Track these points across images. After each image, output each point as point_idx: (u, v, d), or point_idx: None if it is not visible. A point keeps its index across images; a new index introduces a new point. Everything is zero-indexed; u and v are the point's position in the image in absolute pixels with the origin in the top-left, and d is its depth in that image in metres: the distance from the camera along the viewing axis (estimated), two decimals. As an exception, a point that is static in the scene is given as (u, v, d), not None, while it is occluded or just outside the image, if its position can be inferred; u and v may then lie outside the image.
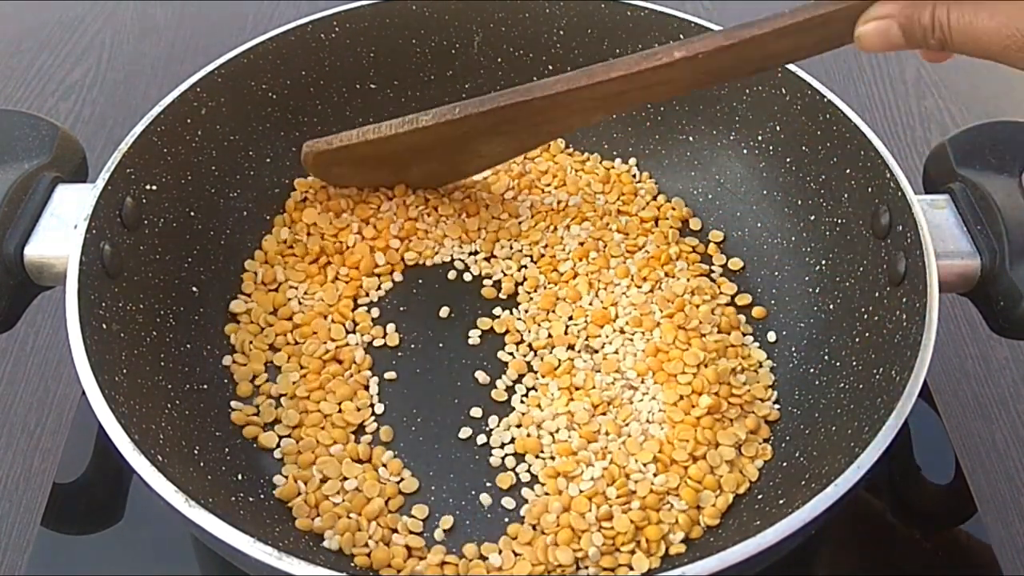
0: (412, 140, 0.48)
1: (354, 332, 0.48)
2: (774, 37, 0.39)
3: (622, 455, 0.42)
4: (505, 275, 0.51)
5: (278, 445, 0.44)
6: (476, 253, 0.52)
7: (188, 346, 0.46)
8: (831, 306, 0.47)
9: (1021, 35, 0.32)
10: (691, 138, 0.55)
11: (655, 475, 0.42)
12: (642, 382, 0.46)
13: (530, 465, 0.43)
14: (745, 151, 0.53)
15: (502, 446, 0.44)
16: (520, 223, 0.53)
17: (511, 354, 0.48)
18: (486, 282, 0.51)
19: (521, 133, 0.48)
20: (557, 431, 0.44)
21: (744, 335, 0.49)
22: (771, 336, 0.49)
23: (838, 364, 0.45)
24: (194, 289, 0.48)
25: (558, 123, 0.47)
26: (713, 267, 0.52)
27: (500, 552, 0.40)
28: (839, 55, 0.73)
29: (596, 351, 0.47)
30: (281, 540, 0.39)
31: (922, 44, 0.35)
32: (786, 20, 0.38)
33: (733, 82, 0.51)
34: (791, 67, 0.49)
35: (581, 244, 0.51)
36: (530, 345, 0.48)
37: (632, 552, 0.40)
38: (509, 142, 0.49)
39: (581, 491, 0.41)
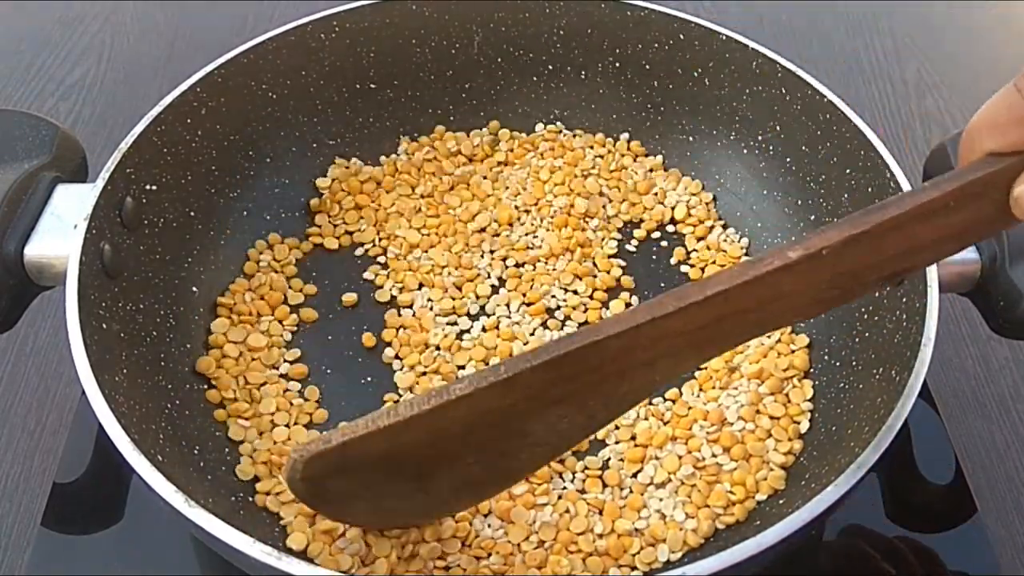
0: (441, 423, 0.33)
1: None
2: (915, 219, 0.30)
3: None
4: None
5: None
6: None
7: (188, 346, 0.46)
8: (831, 306, 0.47)
9: None
10: (691, 138, 0.55)
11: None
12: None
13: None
14: (745, 151, 0.53)
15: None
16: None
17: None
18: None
19: (588, 398, 0.34)
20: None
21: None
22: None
23: (838, 364, 0.45)
24: (194, 289, 0.48)
25: (637, 377, 0.34)
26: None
27: None
28: (839, 55, 0.74)
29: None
30: (281, 540, 0.40)
31: None
32: (930, 194, 0.30)
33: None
34: (791, 67, 0.50)
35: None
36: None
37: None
38: (573, 415, 0.35)
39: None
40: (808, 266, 0.31)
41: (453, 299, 0.50)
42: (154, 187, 0.46)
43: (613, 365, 0.33)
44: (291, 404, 0.45)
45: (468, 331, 0.49)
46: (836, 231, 0.31)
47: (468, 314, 0.50)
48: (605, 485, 0.43)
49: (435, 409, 0.33)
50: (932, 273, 0.40)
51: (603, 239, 0.53)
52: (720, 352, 0.35)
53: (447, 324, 0.49)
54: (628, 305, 0.50)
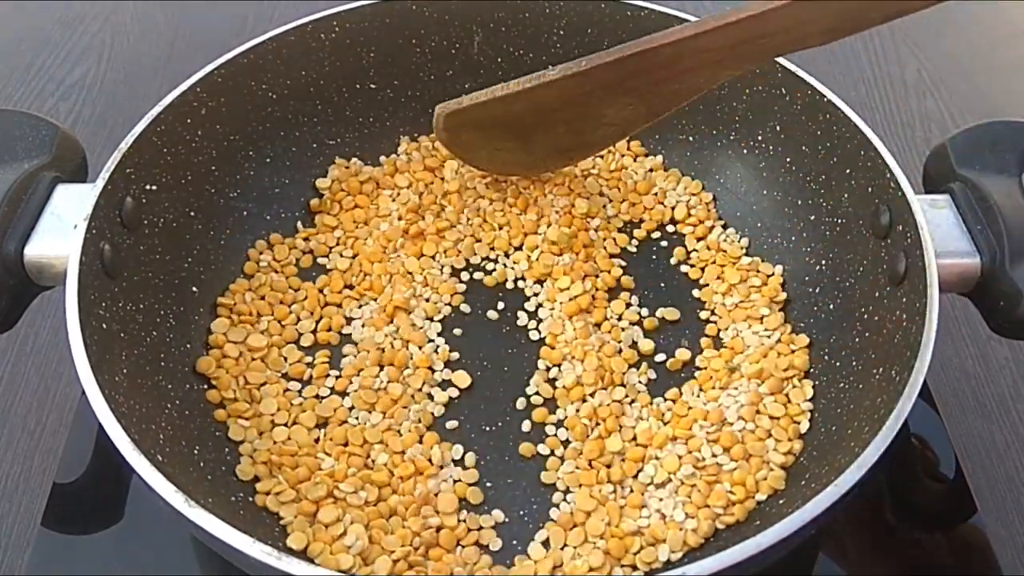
0: (538, 98, 0.47)
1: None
2: None
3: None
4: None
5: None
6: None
7: (188, 346, 0.46)
8: (831, 306, 0.47)
9: None
10: (691, 138, 0.56)
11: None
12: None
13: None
14: (745, 151, 0.54)
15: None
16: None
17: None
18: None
19: (647, 93, 0.46)
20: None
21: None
22: (771, 336, 0.49)
23: (838, 364, 0.45)
24: (194, 289, 0.48)
25: (684, 80, 0.45)
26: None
27: None
28: (839, 55, 0.74)
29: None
30: (281, 540, 0.40)
31: None
32: None
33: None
34: (791, 67, 0.50)
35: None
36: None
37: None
38: (635, 105, 0.47)
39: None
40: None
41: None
42: (154, 187, 0.46)
43: (666, 68, 0.44)
44: (291, 404, 0.45)
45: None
46: None
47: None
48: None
49: (534, 87, 0.47)
50: (932, 273, 0.41)
51: (603, 239, 0.53)
52: (747, 67, 0.45)
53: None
54: (628, 305, 0.50)
